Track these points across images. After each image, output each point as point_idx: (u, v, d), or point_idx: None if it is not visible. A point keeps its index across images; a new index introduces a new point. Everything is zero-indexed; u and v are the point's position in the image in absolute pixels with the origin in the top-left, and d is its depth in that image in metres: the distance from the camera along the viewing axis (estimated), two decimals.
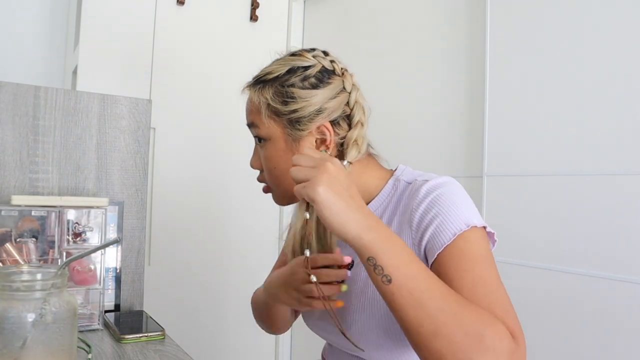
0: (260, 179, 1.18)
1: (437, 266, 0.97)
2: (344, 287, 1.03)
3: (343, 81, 1.11)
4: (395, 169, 1.18)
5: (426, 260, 1.02)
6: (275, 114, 1.09)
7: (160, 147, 2.71)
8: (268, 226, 3.07)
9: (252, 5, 3.01)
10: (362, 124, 1.10)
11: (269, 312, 1.31)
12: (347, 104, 1.11)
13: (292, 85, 1.08)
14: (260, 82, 1.12)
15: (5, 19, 2.79)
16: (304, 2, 3.20)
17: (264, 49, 2.97)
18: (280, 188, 1.13)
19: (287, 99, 1.07)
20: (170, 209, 2.74)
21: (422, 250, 1.01)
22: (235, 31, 2.97)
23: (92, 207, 1.59)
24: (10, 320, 0.97)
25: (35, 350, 0.98)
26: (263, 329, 1.44)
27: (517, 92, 1.92)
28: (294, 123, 1.08)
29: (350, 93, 1.11)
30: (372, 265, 0.85)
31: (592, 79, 1.70)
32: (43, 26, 2.90)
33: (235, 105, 2.74)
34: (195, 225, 2.83)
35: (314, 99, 1.07)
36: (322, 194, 0.84)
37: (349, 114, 1.11)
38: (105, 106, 1.76)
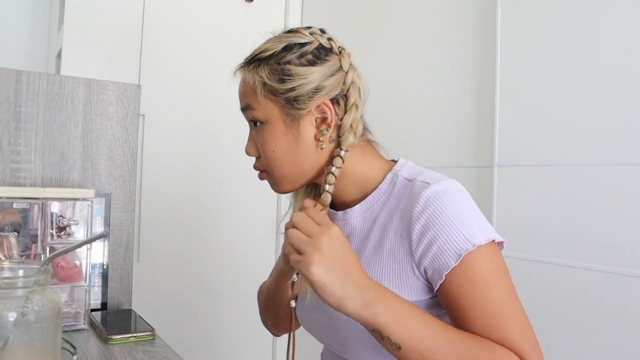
0: (257, 167, 1.18)
1: (445, 293, 1.01)
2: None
3: (340, 60, 1.12)
4: (395, 162, 1.19)
5: (427, 279, 1.04)
6: (272, 93, 1.09)
7: (150, 135, 2.70)
8: (264, 218, 3.07)
9: None
10: (356, 107, 1.12)
11: (273, 297, 1.32)
12: (344, 83, 1.12)
13: (289, 63, 1.09)
14: (254, 61, 1.13)
15: None
16: None
17: (261, 31, 2.96)
18: (280, 172, 1.13)
19: (283, 76, 1.08)
20: (161, 201, 2.74)
21: (422, 269, 1.03)
22: (230, 12, 2.96)
23: (77, 199, 1.58)
24: None
25: (17, 351, 0.98)
26: (268, 327, 1.45)
27: (530, 75, 1.91)
28: (292, 102, 1.08)
29: (347, 73, 1.12)
30: (379, 336, 0.93)
31: (612, 63, 1.69)
32: (25, 7, 2.89)
33: (230, 90, 2.73)
34: (187, 219, 2.83)
35: (311, 77, 1.08)
36: (315, 275, 0.91)
37: (345, 94, 1.12)
38: (91, 92, 1.75)
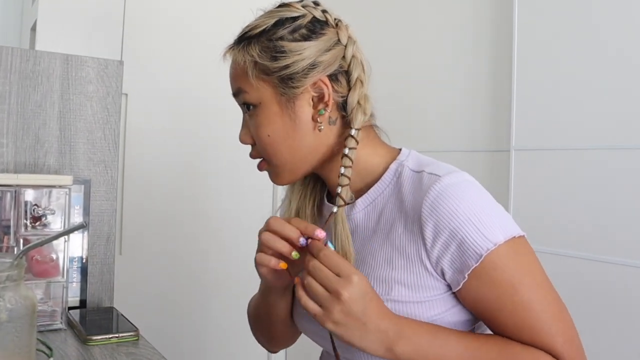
0: (253, 155, 1.19)
1: (469, 294, 1.05)
2: (294, 254, 1.06)
3: (337, 33, 1.13)
4: (399, 150, 1.19)
5: (444, 278, 1.06)
6: (264, 72, 1.10)
7: (134, 116, 2.69)
8: (260, 209, 3.06)
9: None
10: (361, 82, 1.12)
11: (264, 316, 1.32)
12: (343, 58, 1.12)
13: (281, 39, 1.09)
14: (244, 39, 1.13)
15: None
16: None
17: (253, 4, 2.95)
18: (278, 159, 1.14)
19: (276, 53, 1.09)
20: (146, 189, 2.73)
21: (440, 270, 1.05)
22: None
23: (53, 187, 1.58)
24: None
25: None
26: (263, 344, 1.46)
27: (549, 52, 1.90)
28: (286, 80, 1.09)
29: (346, 46, 1.13)
30: None
31: (633, 43, 1.68)
32: None
33: (222, 67, 2.72)
34: (175, 209, 2.83)
35: (306, 52, 1.09)
36: (336, 329, 0.99)
37: (347, 70, 1.12)
38: (69, 68, 1.74)
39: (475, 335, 1.05)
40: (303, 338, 1.32)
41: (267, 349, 1.47)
